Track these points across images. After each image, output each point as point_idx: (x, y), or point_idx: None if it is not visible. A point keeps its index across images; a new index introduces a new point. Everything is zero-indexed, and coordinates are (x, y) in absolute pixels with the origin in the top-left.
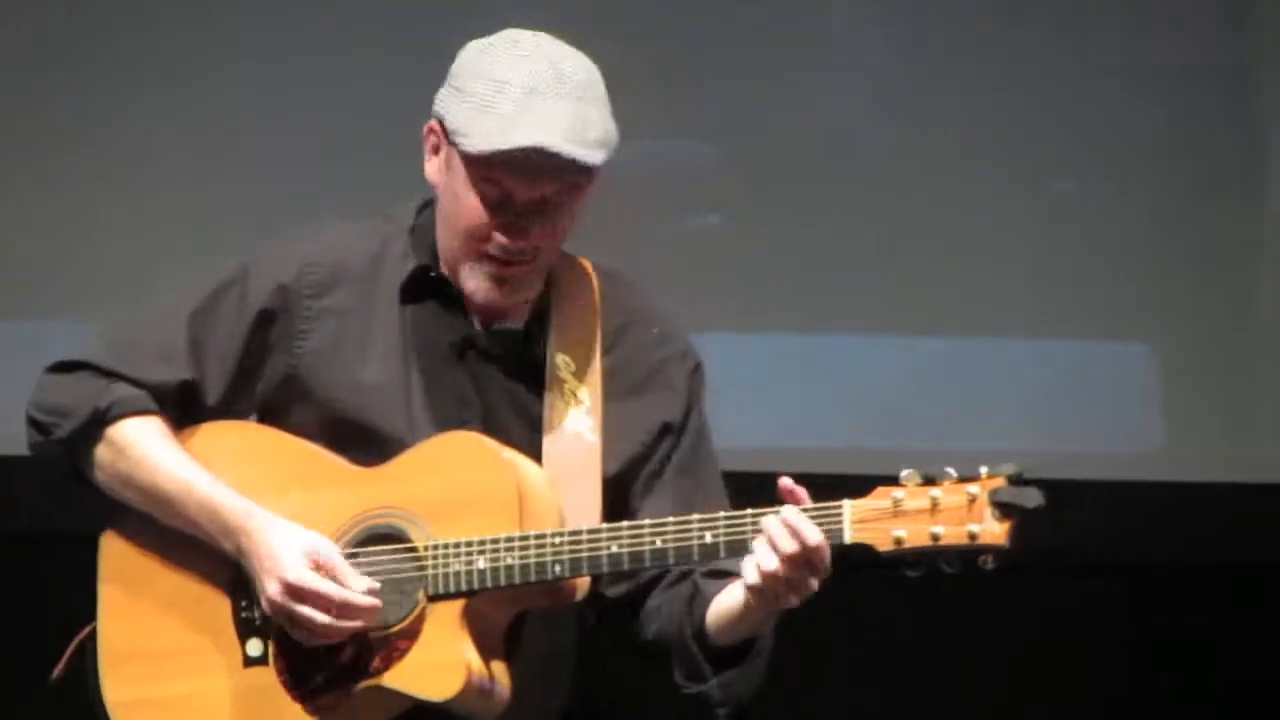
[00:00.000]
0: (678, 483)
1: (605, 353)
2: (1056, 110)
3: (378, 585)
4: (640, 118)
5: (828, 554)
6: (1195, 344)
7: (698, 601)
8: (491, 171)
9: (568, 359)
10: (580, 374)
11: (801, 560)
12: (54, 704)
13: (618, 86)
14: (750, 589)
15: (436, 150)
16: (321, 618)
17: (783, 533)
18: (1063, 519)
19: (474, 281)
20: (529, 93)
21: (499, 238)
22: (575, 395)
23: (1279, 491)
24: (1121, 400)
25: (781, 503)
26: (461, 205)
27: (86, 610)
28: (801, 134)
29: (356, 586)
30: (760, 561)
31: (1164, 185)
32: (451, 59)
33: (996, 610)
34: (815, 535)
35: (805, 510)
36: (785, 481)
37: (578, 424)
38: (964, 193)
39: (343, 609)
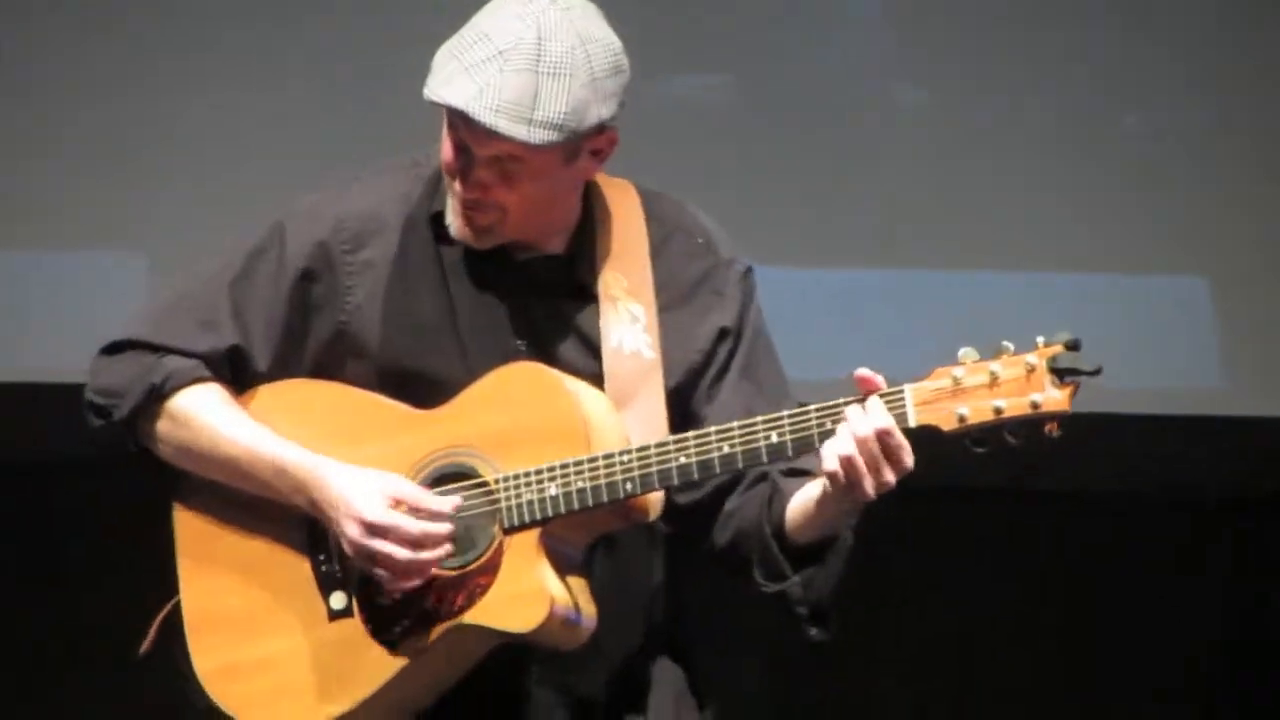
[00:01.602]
0: (740, 385)
1: (654, 266)
2: (1117, 43)
3: (460, 501)
4: (655, 52)
5: (899, 439)
6: (1252, 279)
7: (776, 500)
8: (449, 116)
9: (618, 276)
10: (631, 290)
11: (877, 446)
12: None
13: (633, 21)
14: (829, 475)
15: None
16: (403, 552)
17: (859, 416)
18: (1119, 452)
19: (451, 215)
20: (494, 54)
21: (456, 184)
22: (629, 312)
23: None
24: (1177, 335)
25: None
26: (444, 145)
27: None
28: (816, 67)
29: (441, 507)
30: (839, 446)
31: (1221, 116)
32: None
33: (1047, 541)
34: (884, 419)
35: (867, 398)
36: (861, 371)
37: (635, 341)
38: (1019, 125)
39: (423, 540)
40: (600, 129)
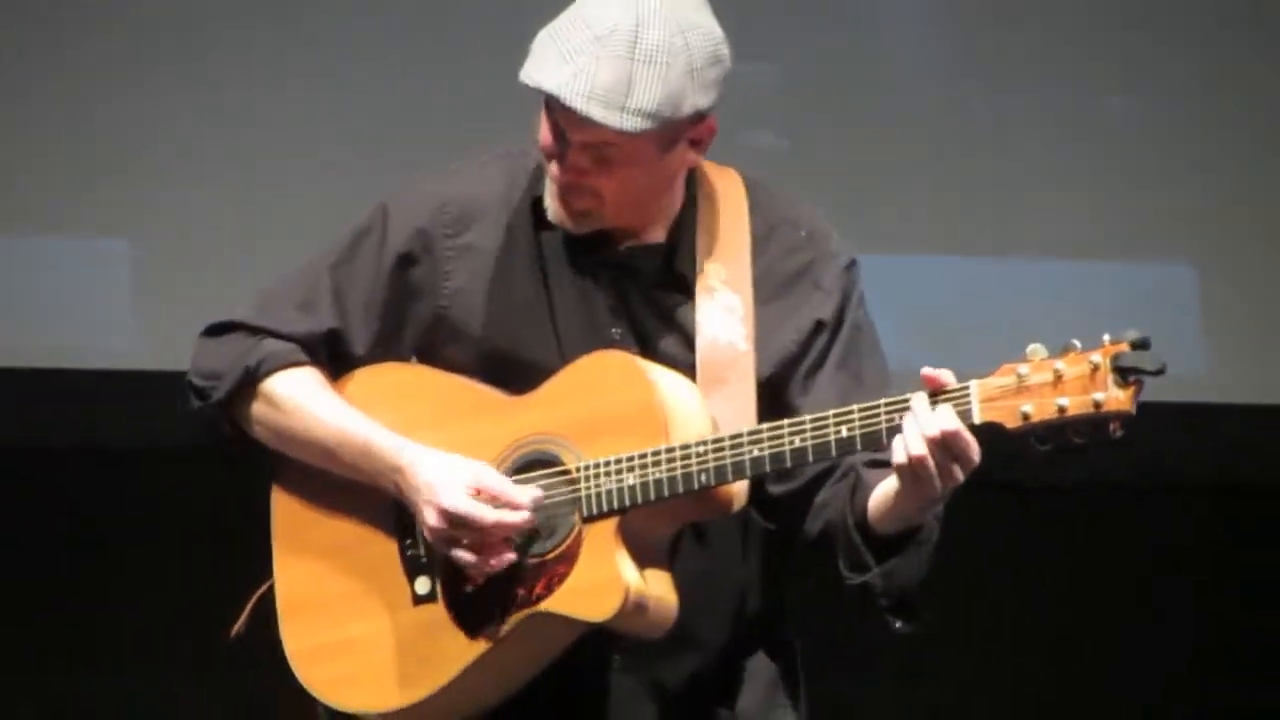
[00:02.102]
0: (836, 378)
1: (754, 257)
2: (1102, 29)
3: (542, 494)
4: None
5: (966, 438)
6: (1236, 264)
7: (860, 491)
8: (547, 100)
9: (718, 266)
10: (730, 282)
11: (941, 444)
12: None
13: None
14: (899, 470)
15: None
16: (478, 538)
17: (926, 414)
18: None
19: (549, 198)
20: (591, 40)
21: (553, 166)
22: (726, 303)
23: None
24: (1163, 321)
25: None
26: (541, 131)
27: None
28: (853, 54)
29: (520, 498)
30: (908, 444)
31: (1204, 101)
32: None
33: (1027, 529)
34: (951, 421)
35: (934, 395)
36: (927, 370)
37: (730, 333)
38: (1010, 114)
39: (497, 530)
40: (698, 118)
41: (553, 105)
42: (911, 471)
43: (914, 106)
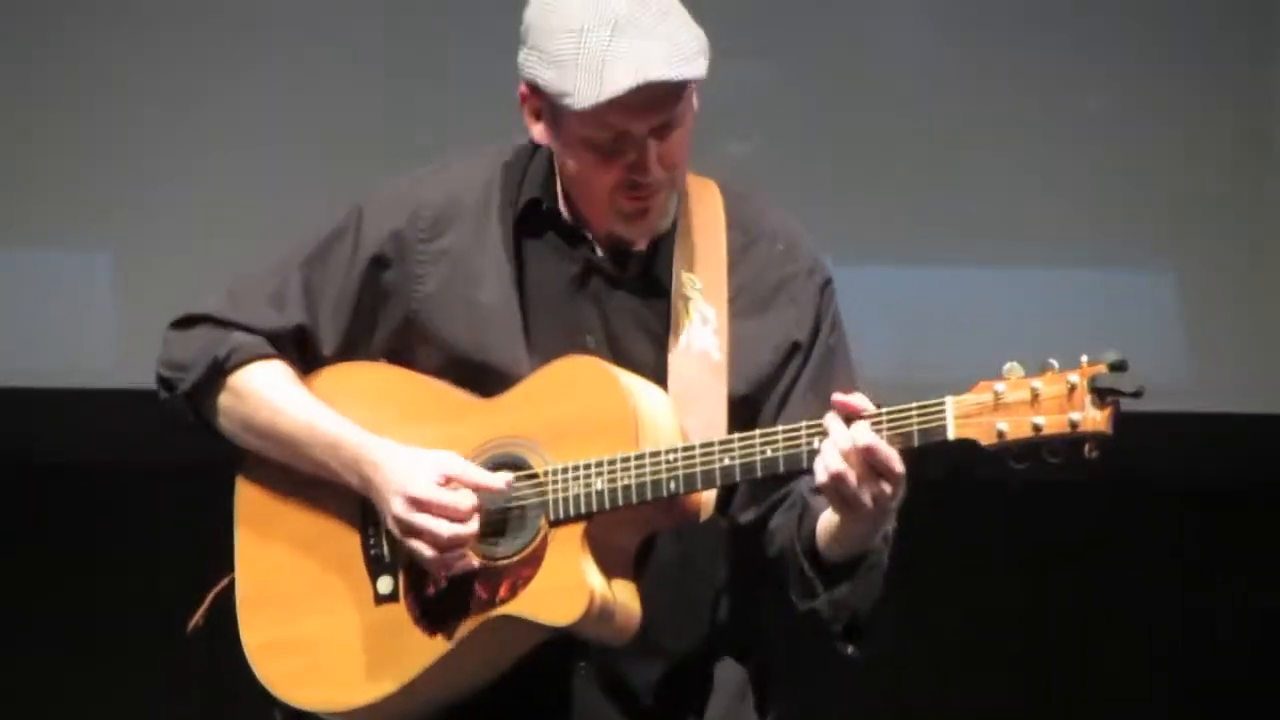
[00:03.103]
0: (806, 400)
1: (731, 270)
2: (1086, 35)
3: (512, 479)
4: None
5: (884, 452)
6: (1220, 273)
7: (807, 517)
8: (605, 120)
9: (693, 277)
10: (706, 292)
11: (858, 459)
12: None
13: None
14: (823, 490)
15: (538, 115)
16: (446, 526)
17: (841, 431)
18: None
19: (620, 226)
20: (614, 32)
21: (629, 177)
22: (701, 313)
23: None
24: (1143, 329)
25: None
26: (583, 163)
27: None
28: (834, 59)
29: (493, 483)
30: (826, 462)
31: (1192, 112)
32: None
33: (1021, 527)
34: (865, 435)
35: (909, 409)
36: (838, 396)
37: (704, 342)
38: (989, 120)
39: (468, 516)
40: None
41: (608, 118)
42: (834, 490)
43: (896, 115)
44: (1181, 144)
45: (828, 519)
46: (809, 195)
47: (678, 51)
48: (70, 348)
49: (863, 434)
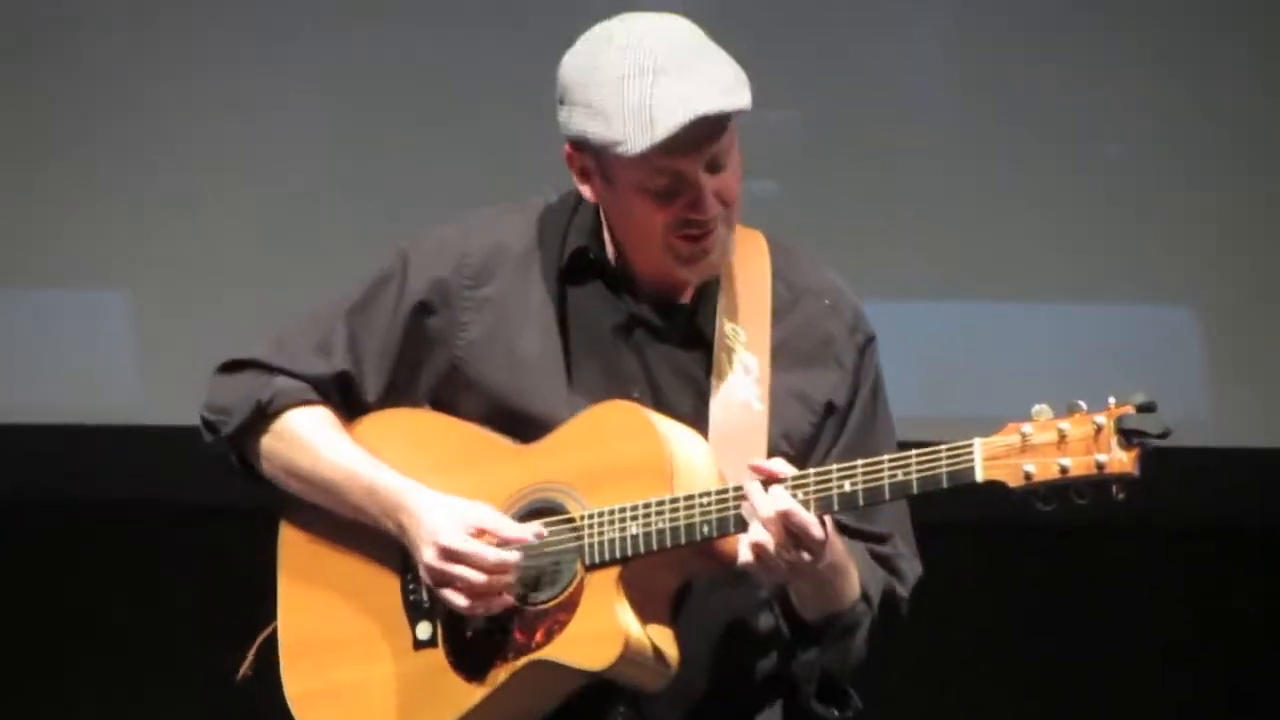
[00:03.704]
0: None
1: (775, 323)
2: (1102, 71)
3: (543, 530)
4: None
5: (804, 518)
6: (1237, 309)
7: None
8: (658, 163)
9: (736, 328)
10: (749, 343)
11: (779, 526)
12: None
13: None
14: (744, 567)
15: (586, 174)
16: (476, 577)
17: (762, 500)
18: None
19: (680, 270)
20: (655, 75)
21: (688, 215)
22: (744, 363)
23: None
24: (1163, 364)
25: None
26: (640, 212)
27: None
28: (854, 100)
29: (522, 534)
30: (751, 536)
31: (1204, 148)
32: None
33: (1017, 572)
34: (788, 501)
35: (939, 450)
36: (755, 461)
37: (745, 392)
38: (1007, 157)
39: (498, 568)
40: None
41: (661, 162)
42: (764, 559)
43: (913, 151)
44: (1194, 182)
45: None
46: (825, 236)
47: (721, 84)
48: (90, 385)
49: (780, 499)
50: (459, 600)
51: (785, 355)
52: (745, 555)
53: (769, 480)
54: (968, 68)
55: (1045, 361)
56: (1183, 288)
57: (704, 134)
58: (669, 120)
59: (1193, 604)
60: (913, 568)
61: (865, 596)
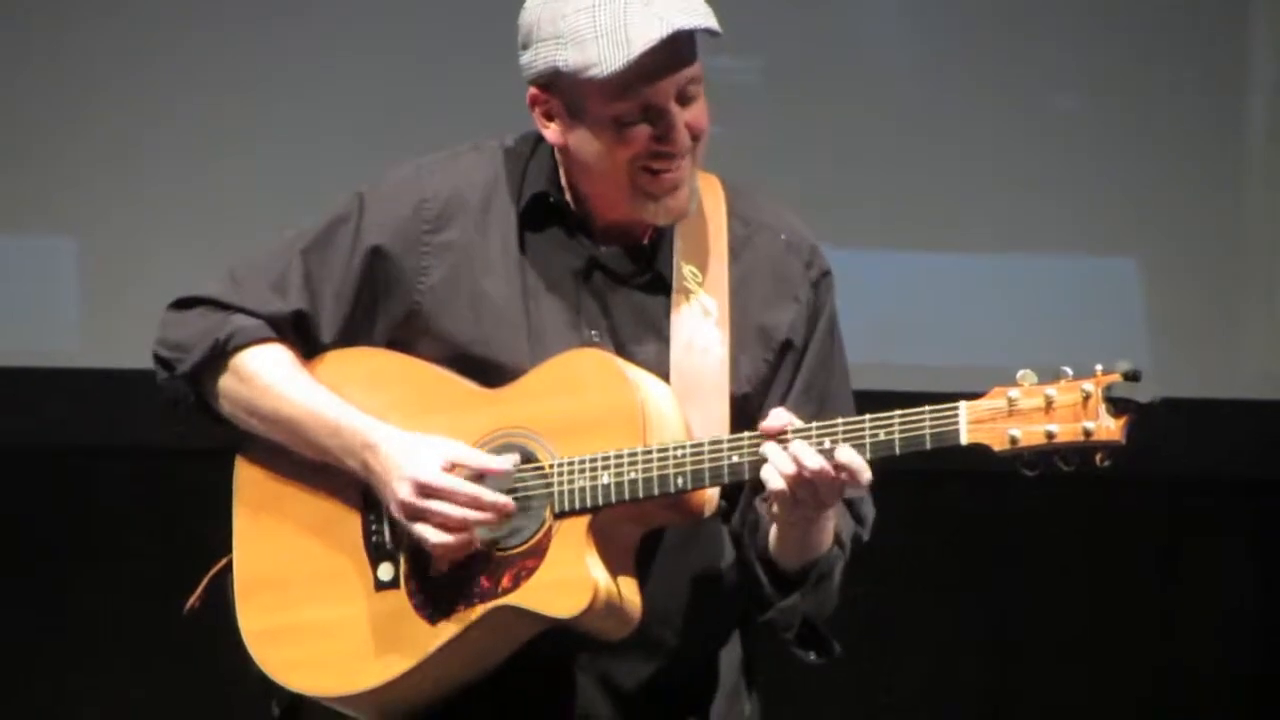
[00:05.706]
0: (804, 403)
1: (732, 262)
2: (1048, 23)
3: (518, 459)
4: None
5: (858, 465)
6: (1181, 259)
7: (761, 526)
8: (629, 86)
9: (694, 270)
10: (708, 284)
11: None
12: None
13: None
14: (774, 496)
15: (550, 115)
16: (455, 510)
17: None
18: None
19: (648, 209)
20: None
21: (656, 147)
22: (703, 305)
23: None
24: (1107, 315)
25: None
26: (608, 143)
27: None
28: (805, 50)
29: (501, 465)
30: (779, 466)
31: (1153, 103)
32: None
33: (988, 516)
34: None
35: (922, 411)
36: (768, 423)
37: (706, 336)
38: (958, 109)
39: (475, 501)
40: None
41: (633, 85)
42: (791, 496)
43: (867, 103)
44: (1136, 132)
45: (774, 526)
46: (786, 181)
47: (692, 6)
48: (34, 329)
49: (845, 452)
50: (434, 536)
51: (743, 294)
52: (777, 484)
53: (769, 436)
54: (918, 19)
55: (987, 311)
56: (1123, 238)
57: (678, 58)
58: (646, 35)
59: (1126, 551)
60: (871, 510)
61: (839, 541)
